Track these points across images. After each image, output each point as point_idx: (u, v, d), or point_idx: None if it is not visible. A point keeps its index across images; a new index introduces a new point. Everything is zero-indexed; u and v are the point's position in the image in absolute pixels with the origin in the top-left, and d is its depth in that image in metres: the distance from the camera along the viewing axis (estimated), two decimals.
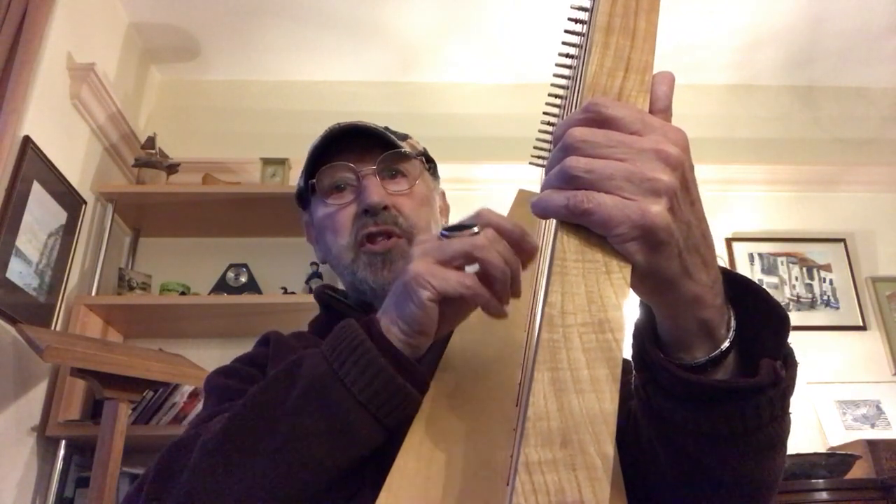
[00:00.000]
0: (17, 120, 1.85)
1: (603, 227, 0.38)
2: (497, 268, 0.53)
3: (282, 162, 2.51)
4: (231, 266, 2.46)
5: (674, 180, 0.39)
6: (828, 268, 2.70)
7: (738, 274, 0.52)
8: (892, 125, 2.93)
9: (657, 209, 0.38)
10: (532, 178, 0.82)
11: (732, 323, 0.49)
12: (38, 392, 2.01)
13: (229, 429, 0.54)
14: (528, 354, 0.58)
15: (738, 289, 0.50)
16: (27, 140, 1.92)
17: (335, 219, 0.83)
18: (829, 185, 2.81)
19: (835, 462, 2.01)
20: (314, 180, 0.84)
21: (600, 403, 0.33)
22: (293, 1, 2.51)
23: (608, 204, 0.38)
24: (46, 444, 2.00)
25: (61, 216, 2.11)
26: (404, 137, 0.89)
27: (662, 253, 0.40)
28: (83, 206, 2.23)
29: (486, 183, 2.65)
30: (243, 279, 2.43)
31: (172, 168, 2.44)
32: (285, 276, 2.46)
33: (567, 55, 0.67)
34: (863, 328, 2.60)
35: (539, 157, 0.85)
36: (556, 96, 0.74)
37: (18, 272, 1.89)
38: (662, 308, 0.47)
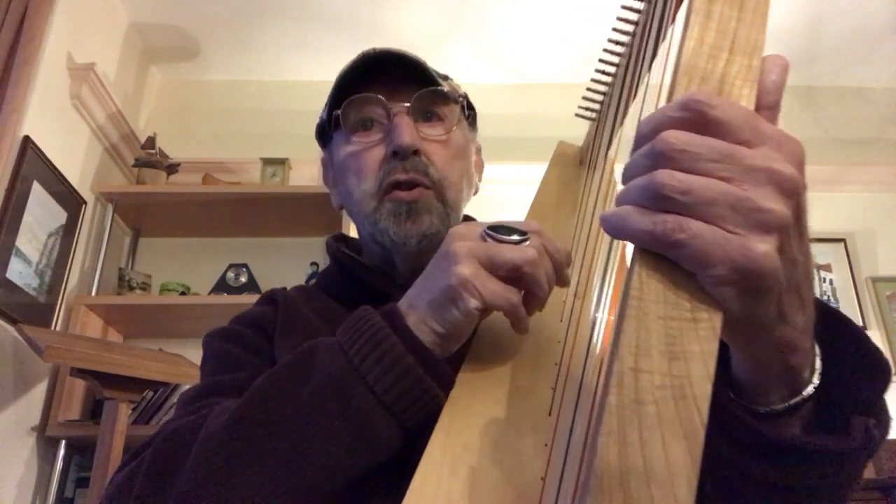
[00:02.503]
0: (17, 120, 1.85)
1: (696, 265, 0.31)
2: (542, 289, 0.50)
3: (282, 162, 2.51)
4: (231, 266, 2.46)
5: (788, 212, 0.32)
6: (828, 268, 2.70)
7: (832, 309, 0.45)
8: (892, 125, 2.93)
9: (765, 249, 0.31)
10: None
11: (818, 364, 0.42)
12: (38, 392, 2.01)
13: (233, 426, 0.49)
14: (564, 352, 0.54)
15: (829, 324, 0.43)
16: (27, 140, 1.92)
17: (360, 160, 0.73)
18: (829, 185, 2.81)
19: None
20: (339, 111, 0.74)
21: (675, 490, 0.27)
22: (293, 1, 2.51)
23: (706, 237, 0.30)
24: (46, 444, 2.00)
25: (61, 216, 2.11)
26: (445, 78, 0.79)
27: (762, 299, 0.33)
28: (83, 206, 2.23)
29: (486, 183, 2.63)
30: (243, 279, 2.43)
31: (172, 168, 2.44)
32: (285, 276, 2.46)
33: None
34: (863, 328, 2.60)
35: (588, 108, 0.76)
36: (619, 43, 0.65)
37: (18, 272, 1.89)
38: (745, 352, 0.39)
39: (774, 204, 0.31)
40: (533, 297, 0.51)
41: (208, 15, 2.56)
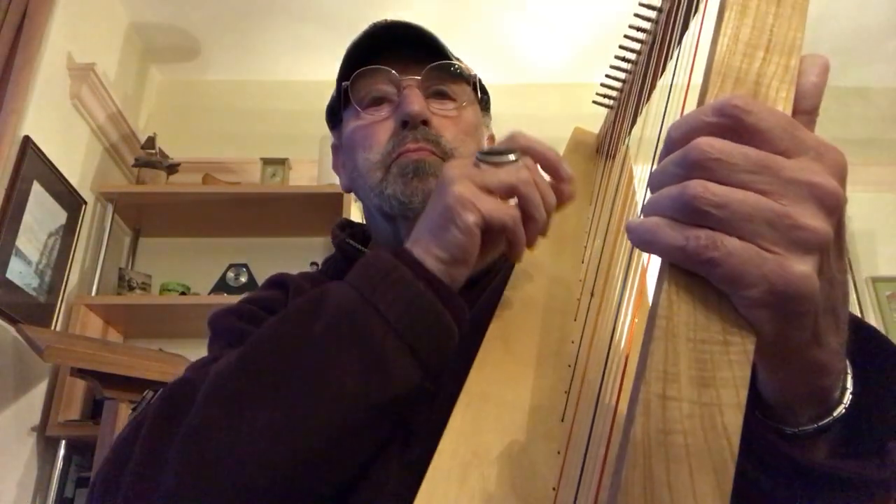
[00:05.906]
0: (17, 120, 1.85)
1: (729, 285, 0.29)
2: (537, 209, 0.50)
3: (282, 162, 2.51)
4: (231, 266, 2.47)
5: (829, 230, 0.30)
6: None
7: (865, 325, 0.43)
8: (892, 125, 2.93)
9: (803, 270, 0.29)
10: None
11: (849, 384, 0.40)
12: (38, 392, 2.00)
13: (245, 360, 0.48)
14: (579, 354, 0.52)
15: (863, 342, 0.41)
16: (27, 140, 1.92)
17: (368, 132, 0.71)
18: None
19: None
20: (347, 83, 0.72)
21: None
22: (293, 1, 2.51)
23: (741, 255, 0.29)
24: (46, 444, 2.00)
25: (61, 216, 2.11)
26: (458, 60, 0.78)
27: (797, 323, 0.31)
28: (83, 206, 2.22)
29: None
30: (243, 279, 2.43)
31: (172, 168, 2.43)
32: None
33: None
34: None
35: (606, 95, 0.75)
36: (641, 29, 0.63)
37: (18, 272, 1.89)
38: (774, 374, 0.37)
39: (815, 221, 0.29)
40: (531, 222, 0.51)
41: (208, 15, 2.56)
